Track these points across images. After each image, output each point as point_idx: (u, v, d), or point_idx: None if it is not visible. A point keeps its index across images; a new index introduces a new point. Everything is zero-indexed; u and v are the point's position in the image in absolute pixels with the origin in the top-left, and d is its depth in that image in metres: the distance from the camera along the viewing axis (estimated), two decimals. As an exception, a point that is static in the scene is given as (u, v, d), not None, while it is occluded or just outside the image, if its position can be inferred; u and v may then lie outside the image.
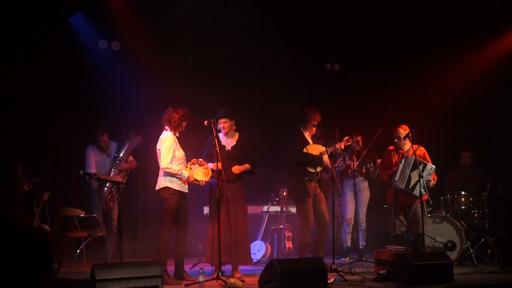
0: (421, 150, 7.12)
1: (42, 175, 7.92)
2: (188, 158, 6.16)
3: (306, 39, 8.93)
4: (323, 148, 6.61)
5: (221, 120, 6.31)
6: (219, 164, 5.94)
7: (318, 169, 6.58)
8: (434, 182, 7.03)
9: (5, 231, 2.11)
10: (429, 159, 7.06)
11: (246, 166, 6.28)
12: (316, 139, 6.88)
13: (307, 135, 6.71)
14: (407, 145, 7.04)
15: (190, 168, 6.02)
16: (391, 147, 7.25)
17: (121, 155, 7.64)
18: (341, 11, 8.05)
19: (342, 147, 6.63)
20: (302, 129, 6.70)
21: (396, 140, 7.11)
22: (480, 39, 8.41)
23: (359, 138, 7.97)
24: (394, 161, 7.11)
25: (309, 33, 8.74)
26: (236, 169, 6.19)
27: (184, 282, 5.75)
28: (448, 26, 8.53)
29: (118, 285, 4.72)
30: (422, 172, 6.69)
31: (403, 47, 9.00)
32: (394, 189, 6.95)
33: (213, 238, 6.06)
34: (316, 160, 6.53)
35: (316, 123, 6.66)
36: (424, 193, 6.63)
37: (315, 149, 6.62)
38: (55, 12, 7.44)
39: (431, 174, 6.87)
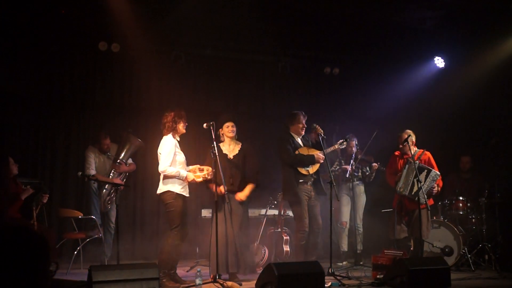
0: (427, 155, 7.11)
1: (40, 176, 7.92)
2: (188, 161, 6.15)
3: (306, 43, 8.94)
4: (316, 151, 6.60)
5: (229, 124, 6.24)
6: (218, 172, 5.86)
7: (311, 170, 6.55)
8: (439, 189, 7.00)
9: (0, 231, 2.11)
10: (434, 164, 7.04)
11: (250, 188, 6.21)
12: (310, 144, 6.88)
13: (297, 137, 6.69)
14: (412, 150, 7.03)
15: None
16: (397, 152, 7.25)
17: (121, 157, 7.63)
18: (341, 15, 8.05)
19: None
20: (291, 132, 6.68)
21: (400, 146, 7.10)
22: (480, 44, 8.42)
23: (351, 143, 7.93)
24: (399, 166, 7.09)
25: (308, 37, 8.74)
26: (241, 197, 6.14)
27: (181, 286, 5.74)
28: (448, 31, 8.54)
29: (115, 287, 4.71)
30: (426, 179, 6.69)
31: (403, 52, 9.00)
32: (399, 195, 6.94)
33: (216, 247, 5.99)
34: (308, 160, 6.49)
35: (304, 125, 6.64)
36: (427, 199, 6.63)
37: (306, 152, 6.60)
38: (56, 12, 7.44)
39: (435, 180, 6.82)
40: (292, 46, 9.02)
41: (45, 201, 6.75)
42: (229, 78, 9.03)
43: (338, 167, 8.02)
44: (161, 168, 5.86)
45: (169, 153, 5.86)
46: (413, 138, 7.09)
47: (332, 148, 6.62)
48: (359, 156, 7.91)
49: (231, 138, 6.26)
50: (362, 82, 9.47)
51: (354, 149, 7.94)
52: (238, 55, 8.99)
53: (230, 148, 6.27)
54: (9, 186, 6.45)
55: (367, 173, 8.04)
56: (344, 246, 8.07)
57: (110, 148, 7.61)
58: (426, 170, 6.78)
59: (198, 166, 6.03)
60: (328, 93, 9.56)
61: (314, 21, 8.19)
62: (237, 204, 6.15)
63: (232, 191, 6.06)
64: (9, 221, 6.27)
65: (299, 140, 6.69)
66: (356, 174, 8.04)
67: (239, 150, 6.28)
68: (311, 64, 9.41)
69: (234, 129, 6.25)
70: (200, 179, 5.95)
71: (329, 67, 9.33)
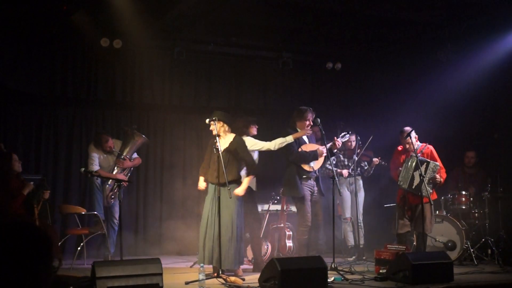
0: (429, 149, 7.12)
1: (43, 172, 7.94)
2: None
3: (308, 38, 8.91)
4: (317, 146, 6.62)
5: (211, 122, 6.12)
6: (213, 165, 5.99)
7: (315, 166, 6.58)
8: (442, 180, 6.99)
9: (3, 227, 2.11)
10: (437, 158, 7.04)
11: (246, 181, 6.15)
12: (315, 140, 6.91)
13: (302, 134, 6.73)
14: (415, 144, 7.03)
15: None
16: (399, 147, 7.25)
17: (125, 153, 7.63)
18: (343, 10, 8.02)
19: (339, 144, 6.66)
20: (297, 128, 6.72)
21: (409, 143, 7.07)
22: (483, 39, 8.38)
23: (351, 139, 7.94)
24: (401, 160, 7.11)
25: (311, 32, 8.71)
26: (238, 192, 6.04)
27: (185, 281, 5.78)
28: (450, 25, 8.51)
29: (119, 283, 4.74)
30: (426, 171, 6.69)
31: (405, 46, 8.98)
32: (401, 189, 6.96)
33: (204, 238, 6.02)
34: (311, 156, 6.56)
35: (311, 123, 6.67)
36: (431, 192, 6.64)
37: (310, 148, 6.64)
38: (57, 9, 7.43)
39: (435, 171, 6.81)
40: (294, 41, 9.00)
41: (46, 197, 6.71)
42: (231, 74, 9.03)
43: (339, 156, 8.03)
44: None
45: None
46: (413, 133, 7.09)
47: (337, 143, 6.64)
48: (358, 151, 7.93)
49: (217, 136, 6.07)
50: (364, 77, 9.45)
51: (354, 144, 7.95)
52: (240, 50, 8.98)
53: (222, 142, 6.10)
54: (10, 182, 6.45)
55: (366, 168, 8.06)
56: (351, 241, 8.09)
57: (113, 148, 7.58)
58: (425, 163, 6.80)
59: None
60: (330, 88, 9.55)
61: (316, 16, 8.16)
62: (226, 197, 5.94)
63: (222, 184, 5.91)
64: (11, 217, 6.28)
65: (304, 137, 6.73)
66: (355, 169, 8.06)
67: (230, 143, 6.20)
68: (313, 59, 9.39)
69: (214, 126, 6.09)
70: None
71: (331, 62, 9.30)
